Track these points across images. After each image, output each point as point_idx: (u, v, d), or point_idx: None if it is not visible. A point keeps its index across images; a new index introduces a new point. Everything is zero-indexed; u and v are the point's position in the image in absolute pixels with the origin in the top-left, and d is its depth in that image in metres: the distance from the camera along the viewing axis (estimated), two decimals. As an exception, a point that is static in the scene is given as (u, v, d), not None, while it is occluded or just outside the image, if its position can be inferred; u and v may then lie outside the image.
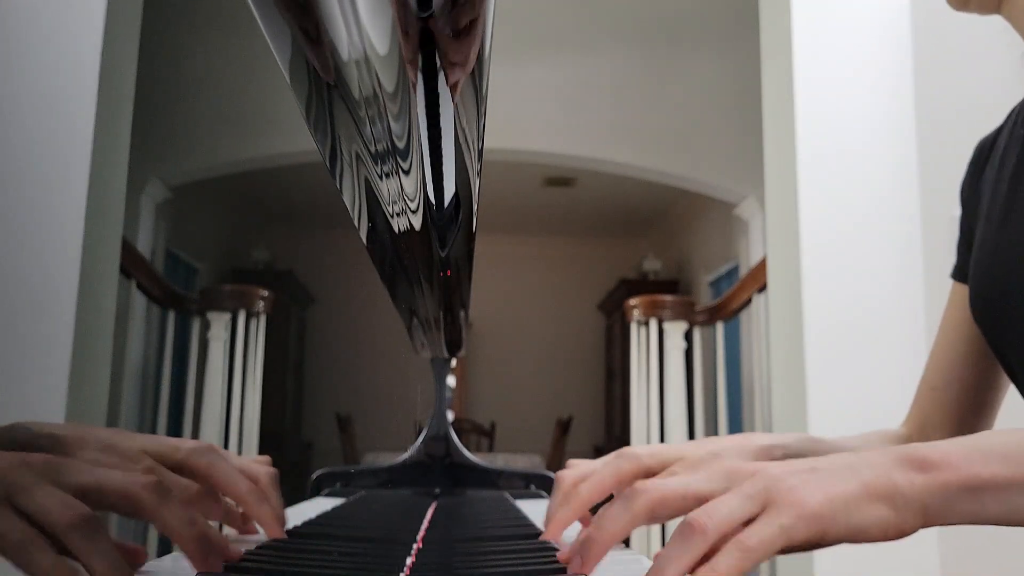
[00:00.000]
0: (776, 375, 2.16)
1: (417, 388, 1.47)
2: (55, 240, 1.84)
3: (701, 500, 0.45)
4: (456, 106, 0.39)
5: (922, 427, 0.90)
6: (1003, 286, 0.75)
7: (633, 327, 3.13)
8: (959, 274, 0.91)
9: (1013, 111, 0.87)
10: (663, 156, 4.68)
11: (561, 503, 0.69)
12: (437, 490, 1.21)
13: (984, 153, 0.89)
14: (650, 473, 0.69)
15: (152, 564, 0.53)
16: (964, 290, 0.89)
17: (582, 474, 0.70)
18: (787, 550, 0.45)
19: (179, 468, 0.62)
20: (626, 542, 0.84)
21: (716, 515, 0.43)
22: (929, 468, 0.44)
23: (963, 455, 0.44)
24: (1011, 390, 0.88)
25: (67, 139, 1.88)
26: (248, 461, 0.68)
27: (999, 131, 0.88)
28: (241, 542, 0.63)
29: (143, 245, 4.35)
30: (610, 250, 7.36)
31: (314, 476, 1.21)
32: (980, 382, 0.89)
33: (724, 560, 0.41)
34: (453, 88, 0.37)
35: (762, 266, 2.56)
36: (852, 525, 0.43)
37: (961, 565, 1.83)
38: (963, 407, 0.89)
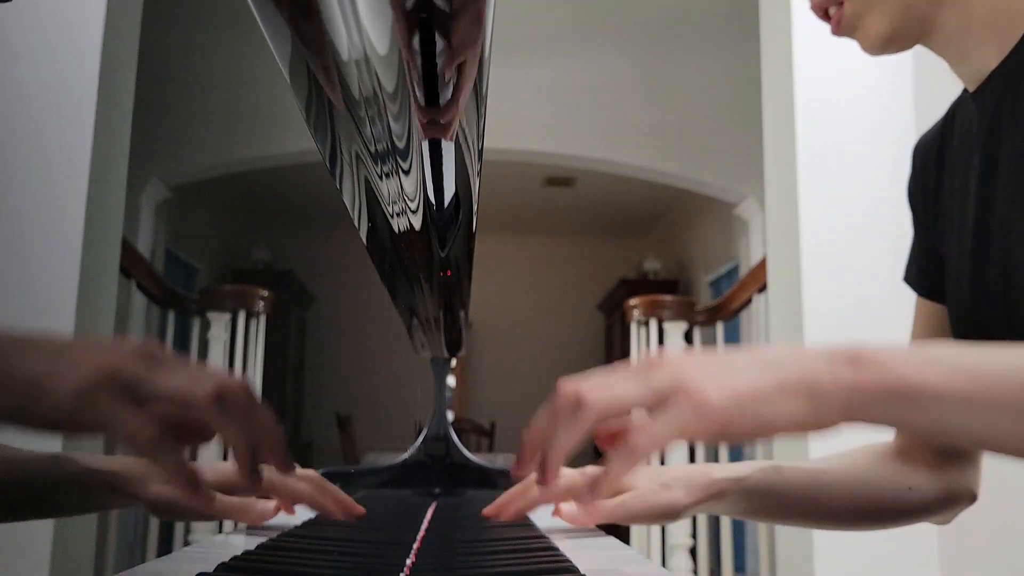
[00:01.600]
0: (776, 375, 2.16)
1: (417, 388, 1.47)
2: (55, 240, 1.84)
3: (636, 407, 0.45)
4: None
5: (907, 443, 0.87)
6: (987, 315, 0.74)
7: (633, 327, 3.13)
8: (914, 283, 0.90)
9: (951, 110, 0.86)
10: (663, 156, 4.68)
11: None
12: (437, 490, 1.21)
13: (930, 156, 0.86)
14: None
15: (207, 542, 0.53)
16: (926, 306, 0.88)
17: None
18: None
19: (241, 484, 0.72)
20: (627, 540, 0.85)
21: (606, 392, 0.44)
22: (860, 365, 0.43)
23: (900, 358, 0.43)
24: None
25: (67, 139, 1.88)
26: (299, 470, 0.77)
27: (942, 131, 0.85)
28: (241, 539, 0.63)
29: (143, 245, 4.35)
30: (610, 250, 7.36)
31: (314, 476, 1.21)
32: None
33: (614, 465, 0.43)
34: (448, 129, 0.38)
35: (762, 266, 2.56)
36: (760, 420, 0.42)
37: (961, 565, 1.83)
38: None
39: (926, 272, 0.88)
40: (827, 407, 0.42)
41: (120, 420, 0.41)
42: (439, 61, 0.34)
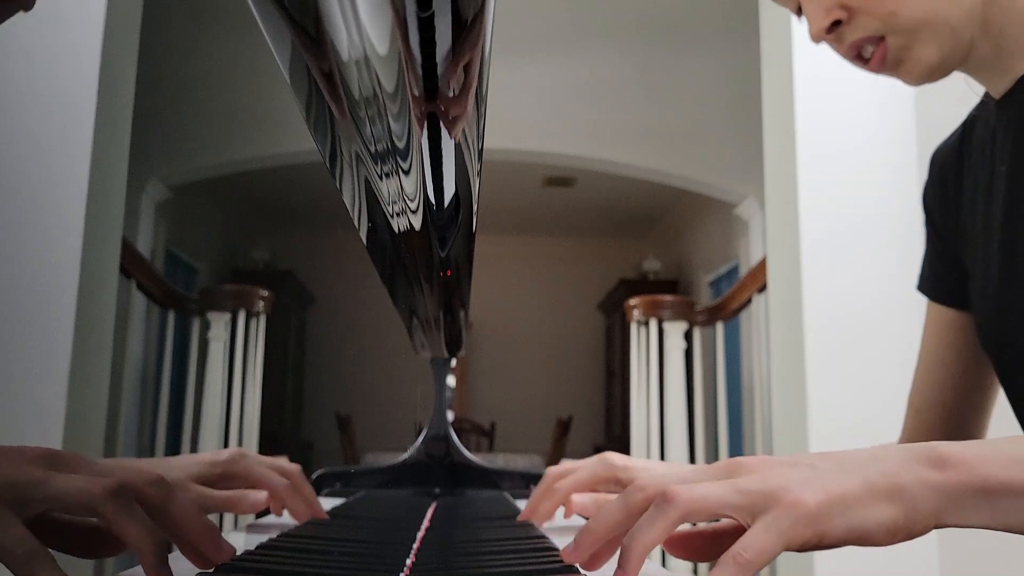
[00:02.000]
0: (776, 375, 2.16)
1: (417, 388, 1.47)
2: (55, 240, 1.84)
3: (725, 511, 0.43)
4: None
5: None
6: (1016, 326, 0.74)
7: (633, 327, 3.13)
8: (930, 291, 0.89)
9: (969, 118, 0.86)
10: (663, 156, 4.68)
11: (542, 495, 0.78)
12: (437, 490, 1.21)
13: (949, 164, 0.86)
14: (618, 483, 0.78)
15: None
16: (941, 313, 0.88)
17: (564, 471, 0.78)
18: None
19: (221, 477, 0.74)
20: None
21: (695, 492, 0.42)
22: (944, 467, 0.42)
23: (982, 456, 0.42)
24: (999, 406, 0.87)
25: (67, 139, 1.88)
26: (278, 460, 0.79)
27: (960, 139, 0.85)
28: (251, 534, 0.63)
29: (143, 245, 4.35)
30: (610, 250, 7.36)
31: (314, 476, 1.21)
32: (963, 405, 0.88)
33: (722, 573, 0.39)
34: (454, 127, 0.38)
35: (762, 266, 2.56)
36: (853, 526, 0.41)
37: (961, 565, 1.83)
38: (949, 429, 0.88)
39: (942, 279, 0.88)
40: (916, 511, 0.41)
41: (4, 534, 0.39)
42: (441, 61, 0.34)
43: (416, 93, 0.36)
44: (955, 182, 0.85)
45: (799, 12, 0.79)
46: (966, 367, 0.87)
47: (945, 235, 0.87)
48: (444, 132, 0.41)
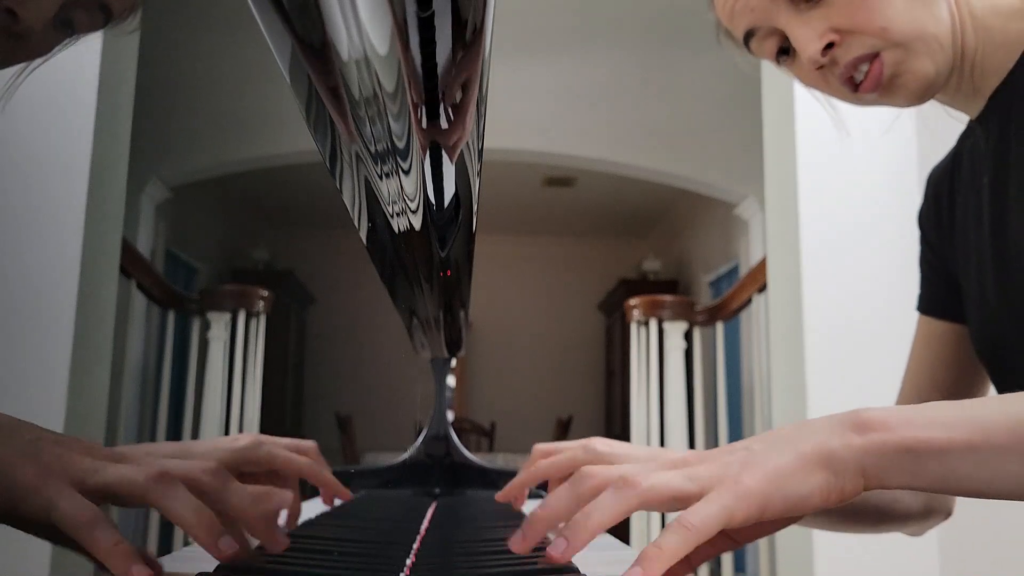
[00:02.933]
0: (776, 375, 2.16)
1: (417, 388, 1.47)
2: (55, 240, 1.84)
3: (683, 499, 0.45)
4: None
5: None
6: (1012, 337, 0.74)
7: (633, 327, 3.13)
8: (928, 308, 0.90)
9: (960, 138, 0.86)
10: (663, 156, 4.68)
11: (525, 467, 0.79)
12: (437, 490, 1.21)
13: (943, 186, 0.87)
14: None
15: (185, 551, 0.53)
16: (931, 326, 0.89)
17: (550, 449, 0.79)
18: (734, 536, 0.47)
19: (243, 462, 0.73)
20: (627, 540, 0.86)
21: (651, 479, 0.45)
22: (867, 430, 0.45)
23: (902, 419, 0.45)
24: None
25: (67, 139, 1.88)
26: (294, 440, 0.79)
27: (952, 162, 0.86)
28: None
29: (143, 245, 4.35)
30: (610, 250, 7.36)
31: (314, 476, 1.21)
32: None
33: (668, 537, 0.42)
34: (453, 150, 0.38)
35: (762, 266, 2.56)
36: (790, 496, 0.43)
37: (961, 565, 1.83)
38: None
39: (938, 295, 0.89)
40: (845, 473, 0.44)
41: (60, 507, 0.43)
42: (441, 61, 0.34)
43: (416, 93, 0.36)
44: (948, 202, 0.86)
45: (777, 59, 0.78)
46: (955, 380, 0.87)
47: (939, 252, 0.88)
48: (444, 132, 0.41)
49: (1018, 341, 0.73)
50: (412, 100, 0.37)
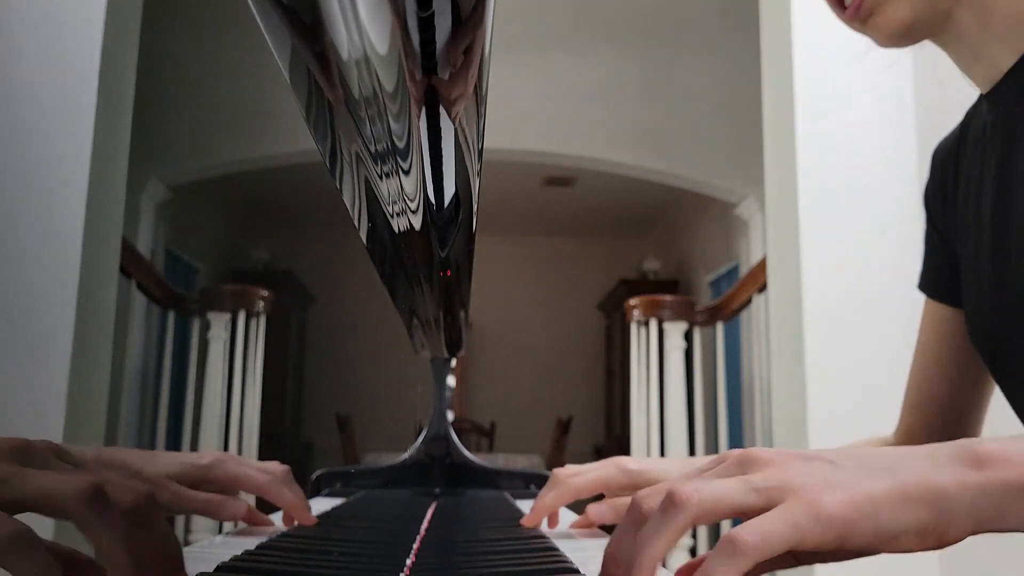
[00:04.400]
0: (776, 375, 2.16)
1: (417, 388, 1.47)
2: (55, 240, 1.84)
3: (744, 514, 0.39)
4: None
5: (908, 440, 0.91)
6: (1008, 321, 0.74)
7: (633, 327, 3.13)
8: (929, 289, 0.89)
9: (967, 114, 0.86)
10: (663, 156, 4.68)
11: (548, 490, 0.75)
12: (437, 490, 1.21)
13: (949, 162, 0.86)
14: (635, 487, 0.75)
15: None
16: (937, 309, 0.88)
17: (575, 471, 0.76)
18: (799, 558, 0.41)
19: (203, 480, 0.71)
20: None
21: (705, 492, 0.38)
22: (985, 465, 0.38)
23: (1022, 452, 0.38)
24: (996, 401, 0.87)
25: (67, 139, 1.88)
26: (263, 463, 0.77)
27: (959, 136, 0.85)
28: (247, 536, 0.63)
29: (143, 245, 4.35)
30: (610, 250, 7.36)
31: (314, 476, 1.21)
32: (959, 401, 0.88)
33: (718, 563, 0.35)
34: (453, 108, 0.38)
35: (762, 266, 2.56)
36: (881, 531, 0.37)
37: (961, 565, 1.83)
38: (945, 425, 0.89)
39: (940, 276, 0.88)
40: (951, 515, 0.37)
41: None
42: (441, 61, 0.34)
43: (416, 93, 0.36)
44: (953, 179, 0.85)
45: None
46: (963, 363, 0.87)
47: (944, 232, 0.87)
48: (444, 132, 0.41)
49: (1010, 328, 0.73)
50: (412, 99, 0.37)
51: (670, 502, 0.38)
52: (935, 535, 0.38)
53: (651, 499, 0.41)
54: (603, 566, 0.42)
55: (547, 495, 0.76)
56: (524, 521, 0.76)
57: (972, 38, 0.72)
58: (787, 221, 2.08)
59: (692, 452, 3.02)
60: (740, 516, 0.38)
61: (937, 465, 0.38)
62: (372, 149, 0.45)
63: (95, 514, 0.37)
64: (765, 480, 0.38)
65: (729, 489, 0.38)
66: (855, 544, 0.37)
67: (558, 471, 0.78)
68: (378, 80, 0.36)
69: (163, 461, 0.70)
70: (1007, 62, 0.72)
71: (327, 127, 0.45)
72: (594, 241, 7.42)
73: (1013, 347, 0.73)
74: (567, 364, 7.27)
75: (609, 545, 0.42)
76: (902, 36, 0.72)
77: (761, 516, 0.36)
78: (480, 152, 0.46)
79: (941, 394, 0.89)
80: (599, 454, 6.99)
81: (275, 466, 0.76)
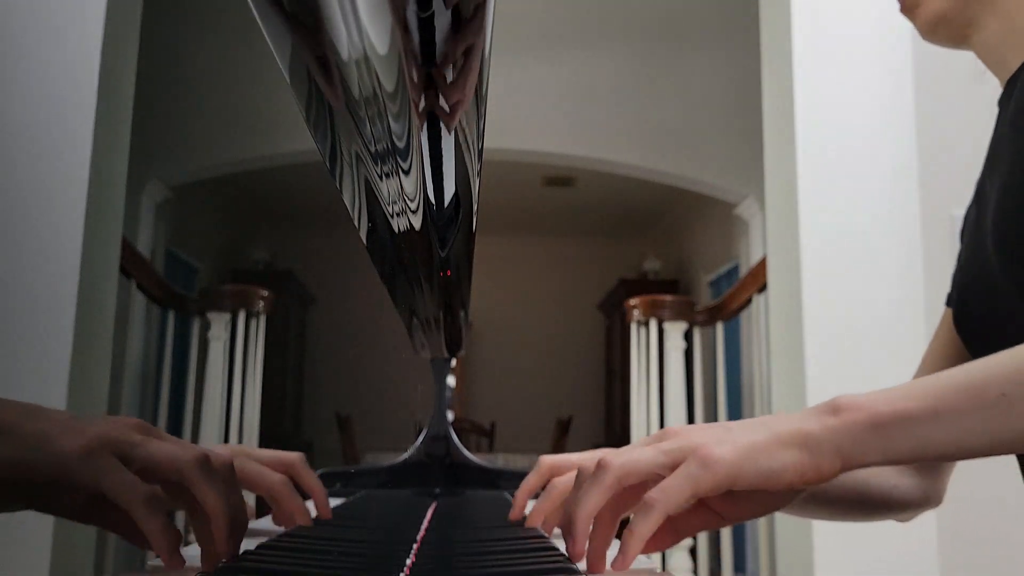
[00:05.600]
0: (776, 375, 2.16)
1: (417, 388, 1.47)
2: (55, 240, 1.84)
3: (657, 472, 0.48)
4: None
5: None
6: (980, 303, 0.77)
7: (633, 327, 3.13)
8: (951, 297, 0.92)
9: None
10: (663, 156, 4.68)
11: (532, 474, 0.80)
12: (437, 490, 1.21)
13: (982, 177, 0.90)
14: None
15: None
16: (950, 316, 0.90)
17: (560, 463, 0.79)
18: (718, 510, 0.50)
19: None
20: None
21: (625, 457, 0.48)
22: (839, 412, 0.48)
23: (872, 398, 0.48)
24: None
25: (67, 139, 1.88)
26: (277, 452, 0.77)
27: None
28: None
29: (143, 245, 4.35)
30: (610, 250, 7.36)
31: (314, 476, 1.21)
32: None
33: (637, 521, 0.45)
34: (452, 114, 0.38)
35: (762, 266, 2.56)
36: (763, 470, 0.46)
37: (961, 565, 1.83)
38: None
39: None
40: (821, 452, 0.47)
41: (112, 477, 0.44)
42: (441, 61, 0.34)
43: (416, 93, 0.36)
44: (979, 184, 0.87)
45: None
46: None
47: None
48: (444, 132, 0.41)
49: (988, 326, 0.75)
50: (412, 99, 0.37)
51: (599, 467, 0.48)
52: (812, 469, 0.46)
53: (589, 469, 0.50)
54: (562, 527, 0.51)
55: (530, 478, 0.80)
56: (512, 515, 0.78)
57: (996, 46, 0.78)
58: (787, 221, 2.08)
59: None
60: (657, 476, 0.48)
61: (806, 416, 0.48)
62: (372, 149, 0.45)
63: (206, 476, 0.47)
64: (671, 444, 0.48)
65: (645, 453, 0.48)
66: (745, 483, 0.46)
67: (544, 458, 0.82)
68: (378, 80, 0.36)
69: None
70: (1015, 65, 0.75)
71: (327, 127, 0.45)
72: (594, 241, 7.42)
73: (989, 342, 0.75)
74: (567, 364, 7.27)
75: (555, 508, 0.56)
76: (936, 27, 0.80)
77: (665, 479, 0.46)
78: (480, 152, 0.46)
79: None
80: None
81: (292, 457, 0.76)
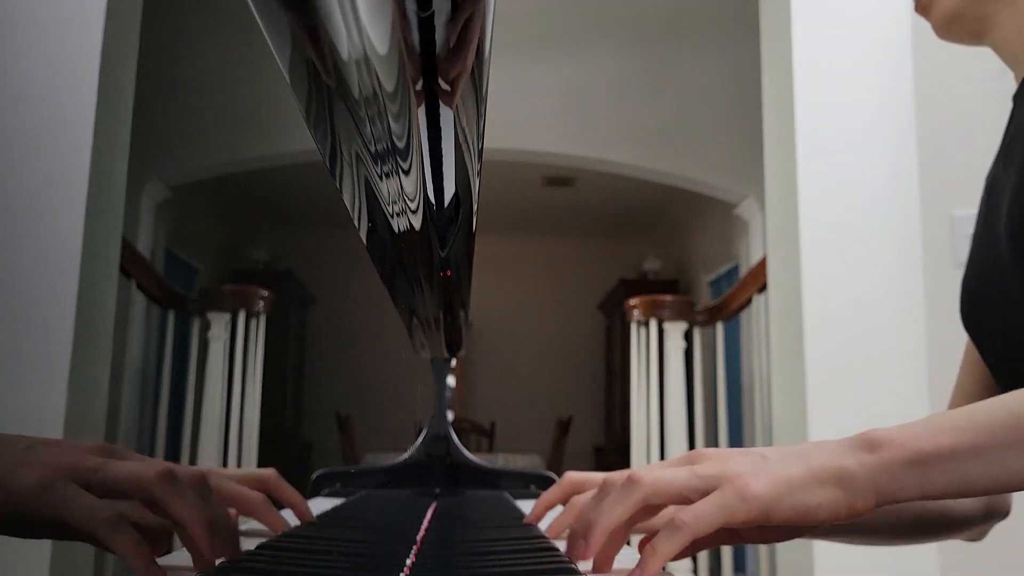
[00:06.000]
0: (776, 375, 2.16)
1: (417, 388, 1.47)
2: (55, 240, 1.84)
3: (688, 495, 0.47)
4: (456, 106, 0.39)
5: None
6: (982, 295, 0.76)
7: (633, 327, 3.13)
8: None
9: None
10: (663, 156, 4.68)
11: (559, 504, 0.76)
12: (437, 490, 1.21)
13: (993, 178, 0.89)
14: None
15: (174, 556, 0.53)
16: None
17: (583, 481, 0.76)
18: (743, 535, 0.49)
19: None
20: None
21: (657, 475, 0.47)
22: (877, 448, 0.46)
23: (907, 433, 0.47)
24: None
25: (67, 139, 1.88)
26: (251, 470, 0.76)
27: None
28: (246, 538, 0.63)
29: (143, 245, 4.35)
30: (610, 250, 7.36)
31: (314, 476, 1.21)
32: None
33: (662, 540, 0.44)
34: (453, 89, 0.38)
35: (762, 266, 2.56)
36: (798, 506, 0.45)
37: (961, 566, 1.83)
38: None
39: None
40: (857, 490, 0.45)
41: (71, 505, 0.44)
42: (441, 61, 0.34)
43: (416, 93, 0.36)
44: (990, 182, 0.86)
45: None
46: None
47: None
48: (444, 132, 0.41)
49: (989, 316, 0.74)
50: (412, 99, 0.37)
51: (628, 482, 0.47)
52: (846, 506, 0.45)
53: (616, 482, 0.49)
54: (569, 535, 0.50)
55: (552, 492, 0.77)
56: (527, 519, 0.76)
57: (1011, 43, 0.78)
58: (787, 221, 2.08)
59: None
60: (686, 499, 0.46)
61: (841, 451, 0.47)
62: (372, 149, 0.45)
63: (172, 490, 0.46)
64: (706, 470, 0.47)
65: (678, 475, 0.47)
66: (779, 518, 0.45)
67: (569, 473, 0.79)
68: (378, 80, 0.36)
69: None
70: None
71: (327, 127, 0.45)
72: (594, 241, 7.42)
73: (991, 332, 0.75)
74: (567, 364, 7.27)
75: (576, 517, 0.51)
76: (951, 24, 0.80)
77: (699, 501, 0.45)
78: (480, 152, 0.46)
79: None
80: (599, 454, 6.99)
81: (266, 473, 0.75)
